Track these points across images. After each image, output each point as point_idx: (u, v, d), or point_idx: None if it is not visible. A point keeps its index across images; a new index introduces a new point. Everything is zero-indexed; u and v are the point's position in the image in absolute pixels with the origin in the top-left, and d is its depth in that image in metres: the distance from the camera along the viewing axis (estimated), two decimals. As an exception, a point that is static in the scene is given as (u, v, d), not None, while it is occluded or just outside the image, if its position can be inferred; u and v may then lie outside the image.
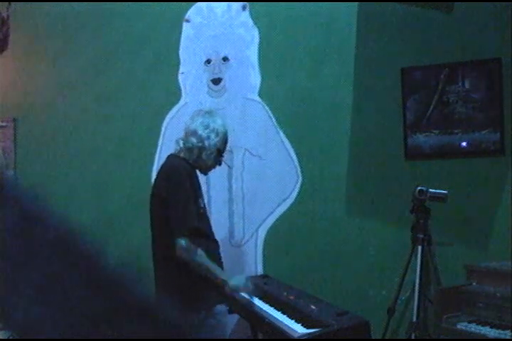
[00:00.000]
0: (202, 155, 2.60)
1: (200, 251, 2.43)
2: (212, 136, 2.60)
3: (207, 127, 2.61)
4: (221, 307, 2.51)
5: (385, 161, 3.26)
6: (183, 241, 2.39)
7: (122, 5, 4.10)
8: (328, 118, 3.43)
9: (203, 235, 2.54)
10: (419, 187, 2.84)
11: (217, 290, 2.52)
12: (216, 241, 2.66)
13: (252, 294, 2.55)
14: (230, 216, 3.66)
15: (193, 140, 2.59)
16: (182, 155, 2.62)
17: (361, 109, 3.35)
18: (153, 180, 3.98)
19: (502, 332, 2.24)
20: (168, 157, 2.70)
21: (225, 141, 2.68)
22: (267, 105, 3.61)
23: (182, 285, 2.46)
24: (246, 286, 2.50)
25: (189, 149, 2.60)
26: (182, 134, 2.69)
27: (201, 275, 2.44)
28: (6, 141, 4.56)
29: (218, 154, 2.66)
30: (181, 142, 2.64)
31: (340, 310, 2.42)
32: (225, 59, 3.76)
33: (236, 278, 2.51)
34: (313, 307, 2.50)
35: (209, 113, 2.72)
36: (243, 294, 2.55)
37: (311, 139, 3.48)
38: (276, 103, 3.60)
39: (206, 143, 2.58)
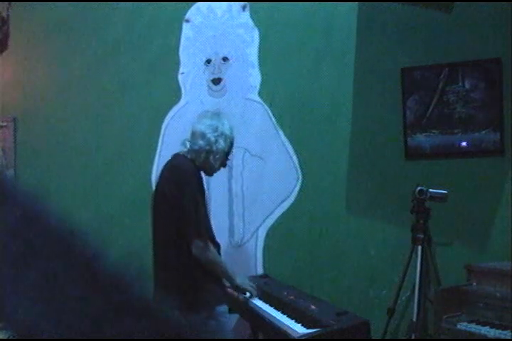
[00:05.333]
0: (209, 159, 2.58)
1: (214, 250, 2.52)
2: (221, 140, 2.58)
3: (215, 130, 2.58)
4: (222, 308, 2.50)
5: (385, 161, 3.26)
6: (200, 242, 2.45)
7: (122, 5, 4.10)
8: (328, 118, 3.43)
9: (209, 237, 2.56)
10: (419, 187, 2.84)
11: (219, 291, 2.52)
12: (218, 244, 2.66)
13: (253, 294, 2.65)
14: (229, 216, 3.66)
15: (201, 142, 2.56)
16: (189, 156, 2.59)
17: (361, 109, 3.34)
18: (153, 179, 4.04)
19: (502, 332, 2.24)
20: (175, 156, 2.66)
21: (231, 144, 2.66)
22: (267, 105, 3.61)
23: (184, 285, 2.46)
24: (248, 286, 2.68)
25: (196, 151, 2.57)
26: (188, 135, 2.66)
27: (203, 276, 2.46)
28: (6, 141, 4.56)
29: (225, 157, 2.66)
30: (188, 143, 2.61)
31: (340, 310, 2.42)
32: (225, 59, 3.76)
33: (239, 278, 2.67)
34: (313, 307, 2.51)
35: (217, 115, 2.70)
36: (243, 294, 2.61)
37: (311, 139, 3.47)
38: (276, 103, 3.59)
39: (214, 147, 2.56)
